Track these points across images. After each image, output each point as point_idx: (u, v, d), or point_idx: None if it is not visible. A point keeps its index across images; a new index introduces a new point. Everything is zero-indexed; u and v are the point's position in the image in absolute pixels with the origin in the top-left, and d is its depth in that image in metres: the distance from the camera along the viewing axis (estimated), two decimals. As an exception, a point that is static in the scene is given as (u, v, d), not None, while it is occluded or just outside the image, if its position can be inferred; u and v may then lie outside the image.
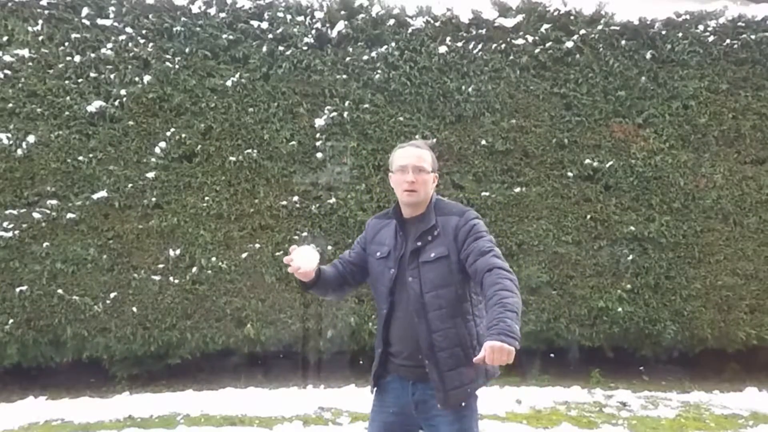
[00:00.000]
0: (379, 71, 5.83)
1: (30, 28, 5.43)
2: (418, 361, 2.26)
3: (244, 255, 5.58)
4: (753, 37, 6.18)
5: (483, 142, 5.90)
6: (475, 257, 2.17)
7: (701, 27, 6.19)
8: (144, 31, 5.59)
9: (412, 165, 2.30)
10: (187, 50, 5.60)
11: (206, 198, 5.56)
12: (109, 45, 5.52)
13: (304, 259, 2.31)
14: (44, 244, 5.31)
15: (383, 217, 2.46)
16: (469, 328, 2.26)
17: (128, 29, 5.57)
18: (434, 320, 2.22)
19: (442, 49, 5.92)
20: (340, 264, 2.49)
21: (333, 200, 5.70)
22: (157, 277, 5.46)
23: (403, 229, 2.34)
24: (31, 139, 5.33)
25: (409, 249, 2.28)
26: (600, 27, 6.11)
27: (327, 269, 2.42)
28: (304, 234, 5.67)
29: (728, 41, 6.18)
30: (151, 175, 5.48)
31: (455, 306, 2.24)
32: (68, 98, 5.41)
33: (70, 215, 5.34)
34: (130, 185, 5.46)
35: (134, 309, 5.41)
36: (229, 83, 5.63)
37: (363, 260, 2.46)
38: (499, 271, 2.10)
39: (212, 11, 5.70)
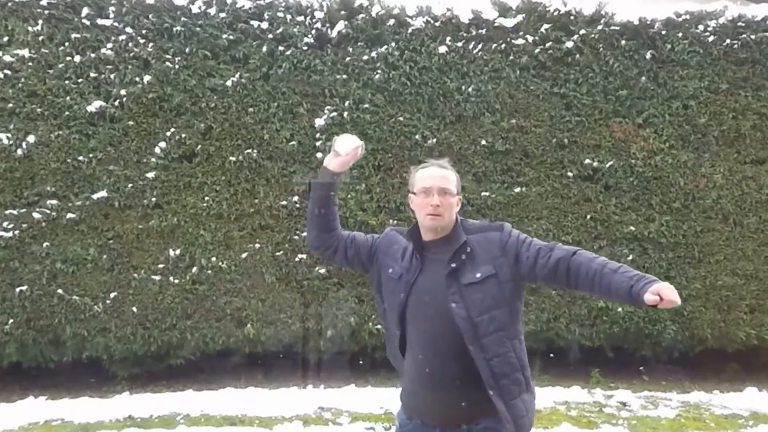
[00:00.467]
0: (379, 71, 5.83)
1: (30, 28, 5.43)
2: (446, 402, 2.08)
3: (244, 255, 5.58)
4: (753, 37, 6.18)
5: (483, 142, 5.90)
6: (545, 253, 2.07)
7: (701, 27, 6.19)
8: (144, 31, 5.59)
9: (438, 187, 2.13)
10: (187, 50, 5.61)
11: (206, 198, 5.56)
12: (109, 45, 5.52)
13: (344, 142, 2.21)
14: (44, 244, 5.31)
15: (400, 234, 2.28)
16: (523, 350, 2.13)
17: (128, 29, 5.57)
18: (490, 345, 2.04)
19: (442, 49, 5.92)
20: (343, 231, 2.33)
21: (333, 200, 5.69)
22: (157, 277, 5.46)
23: (422, 252, 2.17)
24: (31, 139, 5.33)
25: (445, 273, 2.09)
26: (600, 27, 6.11)
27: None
28: (305, 234, 5.67)
29: (728, 41, 6.18)
30: (151, 175, 5.49)
31: (510, 327, 2.09)
32: (68, 98, 5.41)
33: (70, 215, 5.34)
34: (130, 185, 5.46)
35: (134, 309, 5.42)
36: (229, 83, 5.63)
37: (360, 257, 2.29)
38: (584, 251, 2.07)
39: (212, 11, 5.70)
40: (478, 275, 2.08)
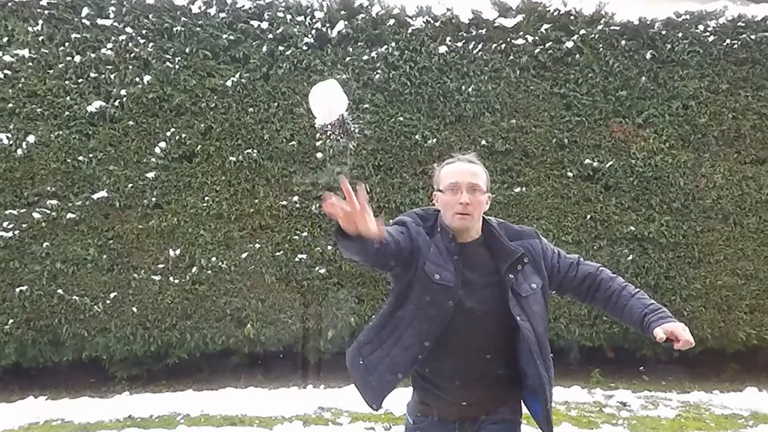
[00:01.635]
0: (379, 71, 5.83)
1: (30, 28, 5.43)
2: (475, 401, 2.03)
3: (244, 255, 5.58)
4: (753, 37, 6.18)
5: (483, 142, 5.89)
6: (574, 268, 2.13)
7: (701, 27, 6.19)
8: (144, 31, 5.59)
9: (467, 183, 2.01)
10: (187, 50, 5.60)
11: (206, 198, 5.56)
12: (109, 45, 5.52)
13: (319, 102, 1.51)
14: (44, 244, 5.31)
15: (423, 226, 2.05)
16: None
17: (128, 29, 5.57)
18: (548, 356, 2.03)
19: (442, 49, 5.91)
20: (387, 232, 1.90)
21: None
22: (157, 277, 5.46)
23: (458, 255, 2.00)
24: (31, 139, 5.33)
25: (500, 281, 1.99)
26: (600, 27, 6.10)
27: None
28: (304, 234, 5.67)
29: (728, 41, 6.18)
30: (151, 175, 5.49)
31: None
32: (68, 98, 5.42)
33: (70, 215, 5.34)
34: (130, 185, 5.46)
35: (134, 309, 5.42)
36: (229, 83, 5.63)
37: (398, 261, 1.95)
38: (605, 269, 2.16)
39: (212, 11, 5.70)
40: (534, 285, 2.03)
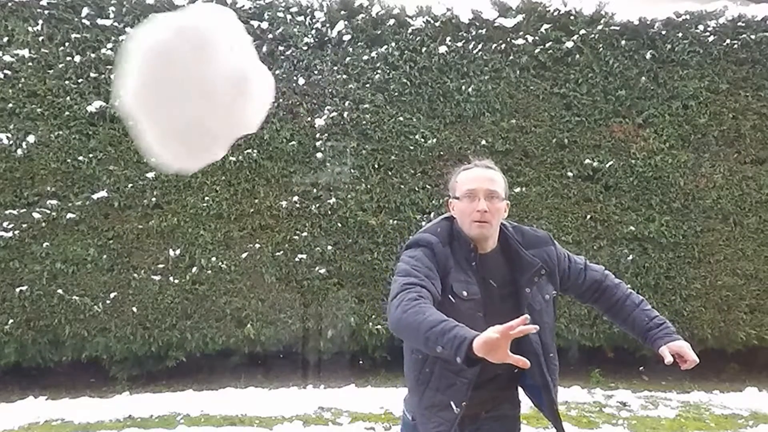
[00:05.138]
0: (379, 71, 5.83)
1: (30, 28, 5.43)
2: (477, 402, 2.01)
3: (244, 255, 5.58)
4: (753, 37, 6.18)
5: (483, 142, 5.89)
6: (583, 273, 2.15)
7: (701, 27, 6.19)
8: (144, 31, 5.58)
9: (485, 190, 1.95)
10: (187, 50, 5.59)
11: (206, 198, 5.56)
12: (109, 45, 5.52)
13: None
14: (44, 244, 5.31)
15: (443, 241, 1.97)
16: None
17: (128, 29, 5.56)
18: (553, 362, 2.06)
19: (442, 49, 5.91)
20: (428, 295, 1.83)
21: (333, 200, 5.70)
22: (157, 277, 5.46)
23: (476, 265, 1.96)
24: (31, 139, 5.33)
25: (525, 300, 1.96)
26: (600, 27, 6.10)
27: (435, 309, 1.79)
28: (304, 234, 5.67)
29: (728, 41, 6.17)
30: (151, 175, 5.48)
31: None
32: (68, 98, 5.41)
33: (70, 215, 5.34)
34: (130, 185, 5.46)
35: (134, 309, 5.42)
36: (229, 83, 5.62)
37: (437, 291, 1.88)
38: (610, 274, 2.18)
39: (212, 11, 5.69)
40: (547, 297, 2.04)
